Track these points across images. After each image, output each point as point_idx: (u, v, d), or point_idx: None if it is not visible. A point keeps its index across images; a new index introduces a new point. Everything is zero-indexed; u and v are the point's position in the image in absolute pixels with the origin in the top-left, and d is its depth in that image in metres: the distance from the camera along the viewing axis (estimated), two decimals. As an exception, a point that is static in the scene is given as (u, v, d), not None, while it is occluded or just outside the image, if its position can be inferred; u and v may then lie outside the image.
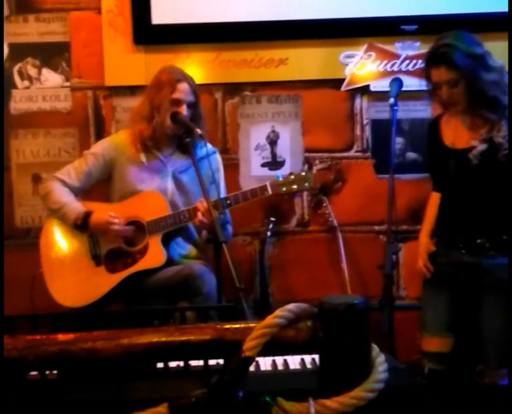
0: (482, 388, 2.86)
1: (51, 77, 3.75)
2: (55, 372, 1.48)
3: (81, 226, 3.15)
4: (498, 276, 2.77)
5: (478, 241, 2.81)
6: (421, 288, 2.98)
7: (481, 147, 2.77)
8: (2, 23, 3.57)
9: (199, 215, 3.01)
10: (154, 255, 3.12)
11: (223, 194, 3.18)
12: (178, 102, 3.14)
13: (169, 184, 3.23)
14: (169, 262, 3.16)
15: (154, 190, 3.19)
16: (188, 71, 3.61)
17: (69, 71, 3.75)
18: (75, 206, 3.18)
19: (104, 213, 3.14)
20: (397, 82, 3.20)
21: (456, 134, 2.87)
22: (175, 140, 3.23)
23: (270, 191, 3.09)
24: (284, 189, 3.10)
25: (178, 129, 3.15)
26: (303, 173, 3.15)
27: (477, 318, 2.85)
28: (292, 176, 3.12)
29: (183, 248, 3.28)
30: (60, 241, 3.23)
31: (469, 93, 2.74)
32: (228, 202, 3.08)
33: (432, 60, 2.76)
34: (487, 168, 2.78)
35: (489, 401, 2.84)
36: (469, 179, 2.82)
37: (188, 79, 3.20)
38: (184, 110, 3.14)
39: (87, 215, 3.14)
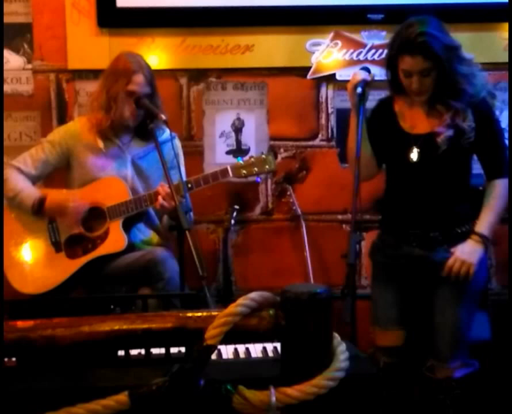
0: (435, 382, 2.82)
1: (12, 59, 3.68)
2: (14, 359, 1.46)
3: (37, 211, 3.12)
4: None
5: (431, 234, 2.74)
6: (371, 282, 2.94)
7: (448, 132, 2.68)
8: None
9: (160, 199, 3.00)
10: (115, 239, 3.11)
11: (183, 178, 3.16)
12: (133, 94, 3.10)
13: (129, 171, 3.21)
14: (131, 247, 3.15)
15: (114, 176, 3.16)
16: (153, 55, 3.58)
17: (31, 53, 3.68)
18: (31, 192, 3.15)
19: (59, 193, 3.14)
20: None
21: (414, 119, 2.78)
22: (134, 126, 3.20)
23: (230, 174, 3.10)
24: (245, 172, 3.12)
25: (138, 118, 3.12)
26: (263, 156, 3.16)
27: (429, 312, 2.79)
28: (253, 159, 3.14)
29: (145, 233, 3.26)
30: (19, 228, 3.18)
31: (439, 83, 2.67)
32: (189, 185, 3.07)
33: (407, 48, 2.63)
34: (453, 154, 2.71)
35: (442, 394, 2.81)
36: (434, 167, 2.73)
37: (144, 70, 3.15)
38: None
39: (43, 199, 3.12)
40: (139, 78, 3.11)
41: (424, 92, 2.70)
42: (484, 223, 2.71)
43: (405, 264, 2.79)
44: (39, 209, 3.12)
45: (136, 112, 3.12)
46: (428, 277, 2.77)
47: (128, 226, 3.15)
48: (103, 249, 3.12)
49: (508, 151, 2.80)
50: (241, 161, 3.14)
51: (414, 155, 2.73)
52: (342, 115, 3.74)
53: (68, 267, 3.12)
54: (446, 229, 2.74)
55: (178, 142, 3.31)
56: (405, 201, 2.79)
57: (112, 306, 1.64)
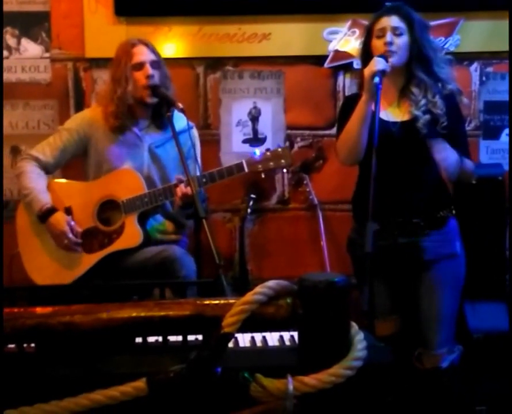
0: (423, 373, 2.81)
1: (30, 48, 3.70)
2: (33, 345, 1.47)
3: (42, 217, 3.09)
4: (435, 253, 2.76)
5: (414, 220, 2.74)
6: (355, 276, 2.87)
7: (426, 116, 2.70)
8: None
9: (178, 200, 3.00)
10: (130, 234, 3.10)
11: (199, 169, 3.16)
12: (139, 66, 3.07)
13: (146, 159, 3.20)
14: (147, 238, 3.14)
15: (129, 168, 3.14)
16: (170, 44, 3.59)
17: (49, 41, 3.70)
18: (41, 197, 3.11)
19: (64, 219, 3.08)
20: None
21: (386, 107, 2.77)
22: (150, 112, 3.18)
23: (246, 169, 3.07)
24: (260, 166, 3.07)
25: (140, 95, 3.08)
26: (280, 150, 3.11)
27: (415, 299, 2.80)
28: (268, 153, 3.08)
29: (160, 222, 3.25)
30: (36, 221, 3.15)
31: (410, 50, 2.70)
32: (204, 180, 3.04)
33: (383, 10, 2.73)
34: (431, 138, 2.72)
35: (431, 384, 2.80)
36: (415, 151, 2.74)
37: (143, 41, 3.14)
38: (149, 70, 3.07)
39: (49, 212, 3.09)
40: (140, 48, 3.10)
41: (395, 52, 2.69)
42: None
43: (389, 253, 2.74)
44: (44, 217, 3.08)
45: (142, 84, 3.06)
46: (413, 264, 2.77)
47: (144, 217, 3.14)
48: (119, 244, 3.11)
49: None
50: (256, 156, 3.08)
51: (395, 141, 2.72)
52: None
53: (84, 261, 3.12)
54: (428, 214, 2.75)
55: (195, 133, 3.29)
56: (386, 189, 2.70)
57: (134, 297, 1.65)
